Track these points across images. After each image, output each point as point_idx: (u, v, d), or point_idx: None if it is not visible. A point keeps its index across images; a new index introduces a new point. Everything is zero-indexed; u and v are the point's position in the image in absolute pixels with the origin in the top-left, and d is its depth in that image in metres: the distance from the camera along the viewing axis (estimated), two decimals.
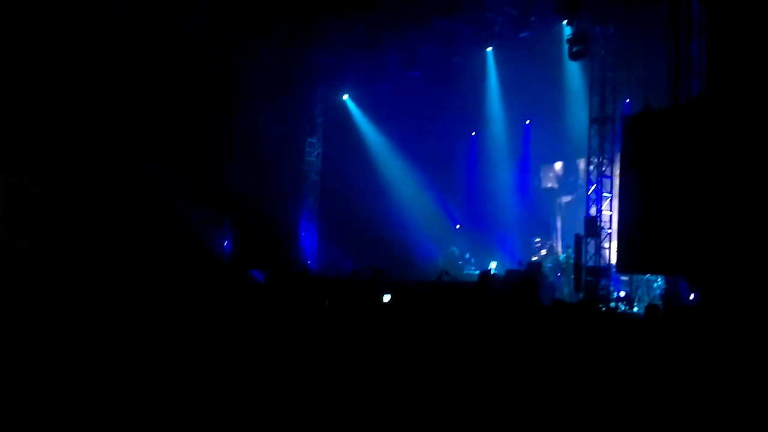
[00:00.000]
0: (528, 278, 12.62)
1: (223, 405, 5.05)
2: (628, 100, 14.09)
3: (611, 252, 13.01)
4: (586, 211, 13.51)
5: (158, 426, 4.66)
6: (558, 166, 18.61)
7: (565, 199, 18.09)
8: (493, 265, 16.73)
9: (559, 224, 18.03)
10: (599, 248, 13.03)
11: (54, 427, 4.55)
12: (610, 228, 13.20)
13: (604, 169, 13.29)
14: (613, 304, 12.61)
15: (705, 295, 10.25)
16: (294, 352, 6.86)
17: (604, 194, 13.30)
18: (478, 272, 16.53)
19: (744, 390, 5.09)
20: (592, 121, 13.41)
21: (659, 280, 12.64)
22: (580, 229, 13.44)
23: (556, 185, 18.65)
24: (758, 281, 9.11)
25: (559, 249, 16.69)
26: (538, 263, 14.75)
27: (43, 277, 12.89)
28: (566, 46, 13.83)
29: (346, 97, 19.89)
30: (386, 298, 11.12)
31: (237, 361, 6.38)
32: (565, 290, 14.40)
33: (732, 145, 9.82)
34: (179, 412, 4.86)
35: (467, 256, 17.74)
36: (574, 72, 15.35)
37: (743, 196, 9.59)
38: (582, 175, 14.88)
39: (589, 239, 13.17)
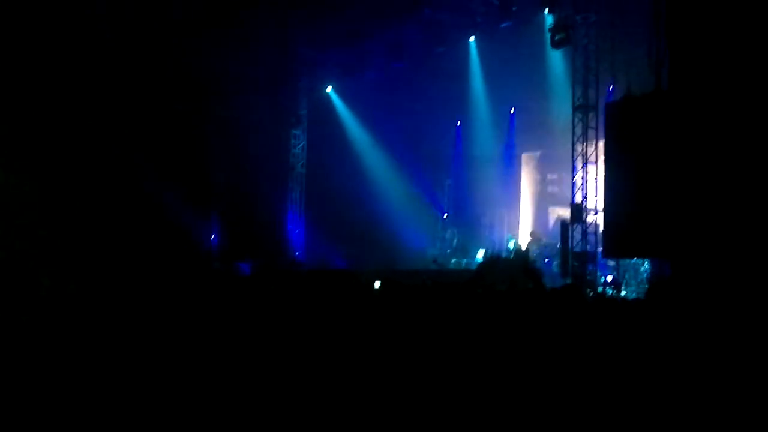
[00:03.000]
0: (526, 266, 12.78)
1: (213, 398, 5.07)
2: (611, 87, 14.24)
3: (597, 237, 13.20)
4: (571, 197, 13.68)
5: (146, 419, 4.68)
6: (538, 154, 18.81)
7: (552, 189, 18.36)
8: (480, 253, 16.89)
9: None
10: (585, 234, 13.22)
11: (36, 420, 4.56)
12: (595, 213, 13.38)
13: (588, 155, 13.46)
14: (600, 289, 12.80)
15: (682, 277, 10.43)
16: (286, 345, 6.90)
17: (589, 180, 13.48)
18: (466, 261, 16.69)
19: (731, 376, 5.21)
20: (576, 108, 13.56)
21: (646, 264, 12.84)
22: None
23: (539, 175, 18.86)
24: (740, 265, 9.30)
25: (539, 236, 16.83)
26: (526, 250, 14.91)
27: (28, 272, 12.83)
28: (548, 35, 13.96)
29: (329, 89, 19.90)
30: (377, 284, 11.23)
31: (225, 354, 6.41)
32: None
33: (708, 130, 10.01)
34: (167, 405, 4.88)
35: (455, 243, 17.86)
36: (557, 60, 15.48)
37: (723, 181, 9.78)
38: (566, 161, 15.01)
39: (575, 225, 13.35)
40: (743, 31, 9.67)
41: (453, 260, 17.14)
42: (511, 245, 16.51)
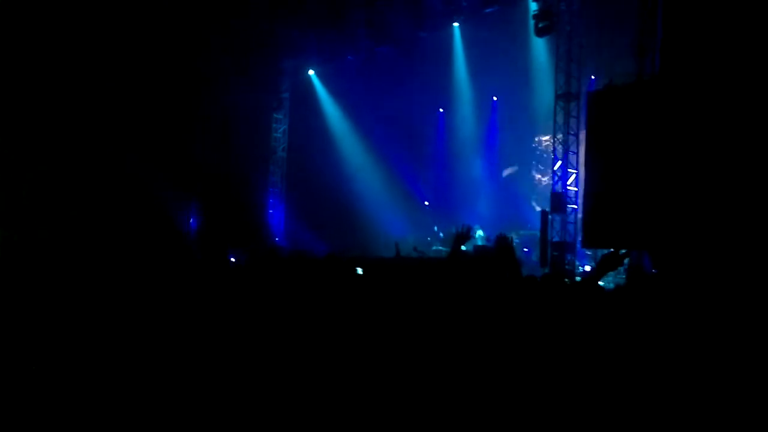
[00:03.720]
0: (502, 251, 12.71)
1: (208, 394, 4.99)
2: (593, 77, 14.20)
3: (577, 227, 13.21)
4: (552, 186, 13.67)
5: (140, 416, 4.60)
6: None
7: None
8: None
9: None
10: (564, 223, 13.22)
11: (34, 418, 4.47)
12: (575, 204, 13.38)
13: (569, 145, 13.43)
14: (578, 279, 12.82)
15: (662, 268, 10.46)
16: (276, 334, 6.80)
17: (570, 170, 13.47)
18: (446, 249, 16.58)
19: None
20: (558, 97, 13.50)
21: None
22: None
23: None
24: (722, 256, 9.34)
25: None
26: (507, 237, 14.86)
27: (12, 261, 12.64)
28: (532, 22, 13.87)
29: (311, 72, 19.69)
30: (359, 270, 11.15)
31: (217, 345, 6.31)
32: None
33: (690, 121, 10.01)
34: (162, 401, 4.80)
35: (435, 229, 17.79)
36: (540, 48, 15.41)
37: (705, 171, 9.79)
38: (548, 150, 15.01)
39: (555, 215, 13.34)
40: (738, 21, 9.64)
41: (434, 248, 17.08)
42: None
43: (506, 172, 18.74)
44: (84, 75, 15.06)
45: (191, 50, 16.95)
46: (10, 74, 14.12)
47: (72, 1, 14.44)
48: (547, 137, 16.41)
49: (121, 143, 15.42)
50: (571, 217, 13.32)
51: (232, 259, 15.46)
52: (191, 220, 18.19)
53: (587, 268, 13.37)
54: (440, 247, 16.99)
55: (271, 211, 19.61)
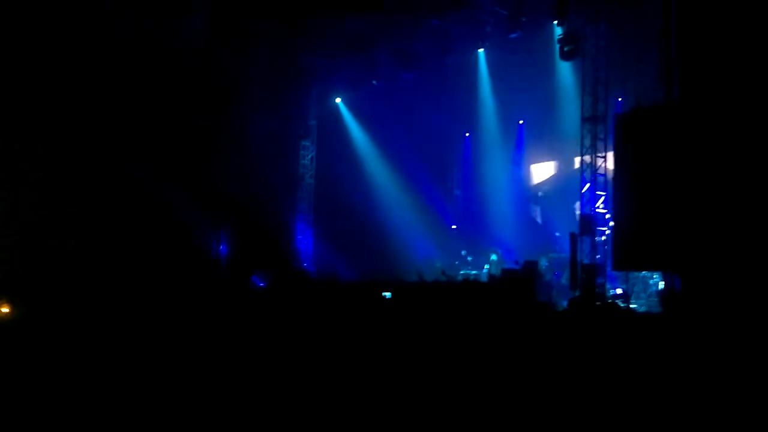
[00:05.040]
0: (525, 277, 12.67)
1: (226, 407, 5.06)
2: (620, 99, 14.16)
3: (607, 249, 13.09)
4: (581, 209, 13.59)
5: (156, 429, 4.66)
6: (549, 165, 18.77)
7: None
8: (491, 261, 16.82)
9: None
10: (594, 246, 13.11)
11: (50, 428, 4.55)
12: (604, 226, 13.28)
13: (597, 167, 13.37)
14: (610, 302, 12.66)
15: (692, 290, 10.32)
16: (301, 355, 6.86)
17: (598, 192, 13.39)
18: (475, 273, 16.57)
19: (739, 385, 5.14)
20: (585, 120, 13.48)
21: (655, 276, 12.69)
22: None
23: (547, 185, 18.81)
24: (752, 279, 9.19)
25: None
26: (534, 262, 14.79)
27: (43, 280, 12.93)
28: (557, 46, 13.92)
29: (338, 100, 19.93)
30: (387, 294, 11.23)
31: (241, 365, 6.39)
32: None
33: (718, 143, 9.94)
34: (178, 416, 4.86)
35: (463, 253, 17.75)
36: (565, 72, 15.43)
37: (733, 193, 9.68)
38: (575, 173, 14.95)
39: (584, 237, 13.24)
40: (752, 44, 9.61)
41: (462, 271, 17.04)
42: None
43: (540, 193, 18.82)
44: (115, 102, 15.44)
45: (221, 79, 17.29)
46: (43, 107, 14.56)
47: (105, 38, 14.86)
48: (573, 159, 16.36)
49: (152, 170, 15.72)
50: (601, 239, 13.21)
51: (261, 284, 15.61)
52: (221, 247, 18.40)
53: (618, 291, 13.21)
54: (469, 271, 16.96)
55: (299, 236, 19.76)
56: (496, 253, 16.91)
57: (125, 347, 7.20)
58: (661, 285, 12.52)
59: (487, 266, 16.77)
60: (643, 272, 12.97)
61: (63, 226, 14.81)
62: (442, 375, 5.95)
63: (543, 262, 15.42)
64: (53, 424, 4.68)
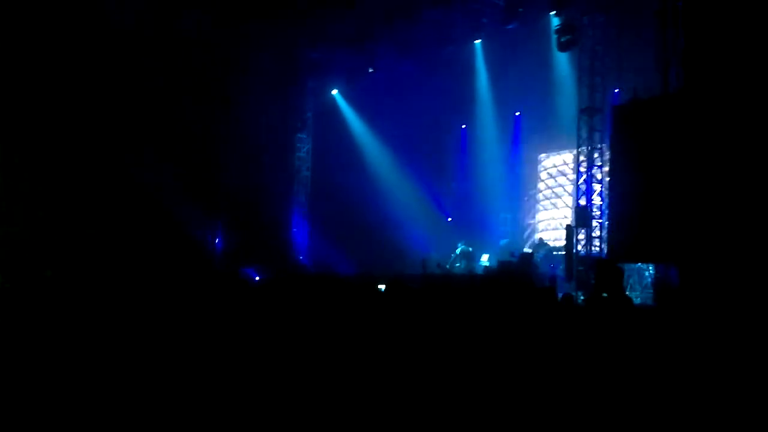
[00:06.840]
0: (521, 269, 12.64)
1: (221, 401, 5.00)
2: (617, 90, 14.10)
3: (602, 241, 13.05)
4: (576, 200, 13.54)
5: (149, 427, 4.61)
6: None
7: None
8: (485, 257, 16.75)
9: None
10: (590, 238, 13.07)
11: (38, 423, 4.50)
12: (600, 218, 13.24)
13: (594, 158, 13.31)
14: (604, 294, 12.61)
15: (688, 282, 10.28)
16: (296, 350, 6.80)
17: (594, 184, 13.34)
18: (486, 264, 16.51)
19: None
20: (582, 111, 13.42)
21: (650, 268, 12.66)
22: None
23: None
24: (746, 270, 9.15)
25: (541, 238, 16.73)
26: (530, 254, 14.77)
27: (36, 271, 12.90)
28: (555, 37, 13.84)
29: (335, 92, 19.84)
30: (381, 287, 11.16)
31: (236, 359, 6.33)
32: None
33: (716, 134, 9.88)
34: (171, 407, 4.81)
35: (459, 247, 17.69)
36: (563, 63, 15.35)
37: (731, 185, 9.63)
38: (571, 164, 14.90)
39: (579, 229, 13.20)
40: (752, 35, 9.53)
41: (457, 264, 17.00)
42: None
43: None
44: (112, 94, 15.39)
45: (217, 71, 17.22)
46: (41, 100, 14.50)
47: (104, 30, 14.78)
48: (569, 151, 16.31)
49: (147, 163, 15.66)
50: (596, 231, 13.16)
51: (257, 278, 15.54)
52: (216, 240, 18.34)
53: None
54: (463, 264, 16.92)
55: (294, 229, 19.70)
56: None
57: (118, 339, 7.14)
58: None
59: (483, 262, 16.69)
60: (639, 264, 12.93)
61: (58, 217, 14.78)
62: (450, 366, 5.90)
63: (539, 254, 15.40)
64: (37, 414, 4.63)
